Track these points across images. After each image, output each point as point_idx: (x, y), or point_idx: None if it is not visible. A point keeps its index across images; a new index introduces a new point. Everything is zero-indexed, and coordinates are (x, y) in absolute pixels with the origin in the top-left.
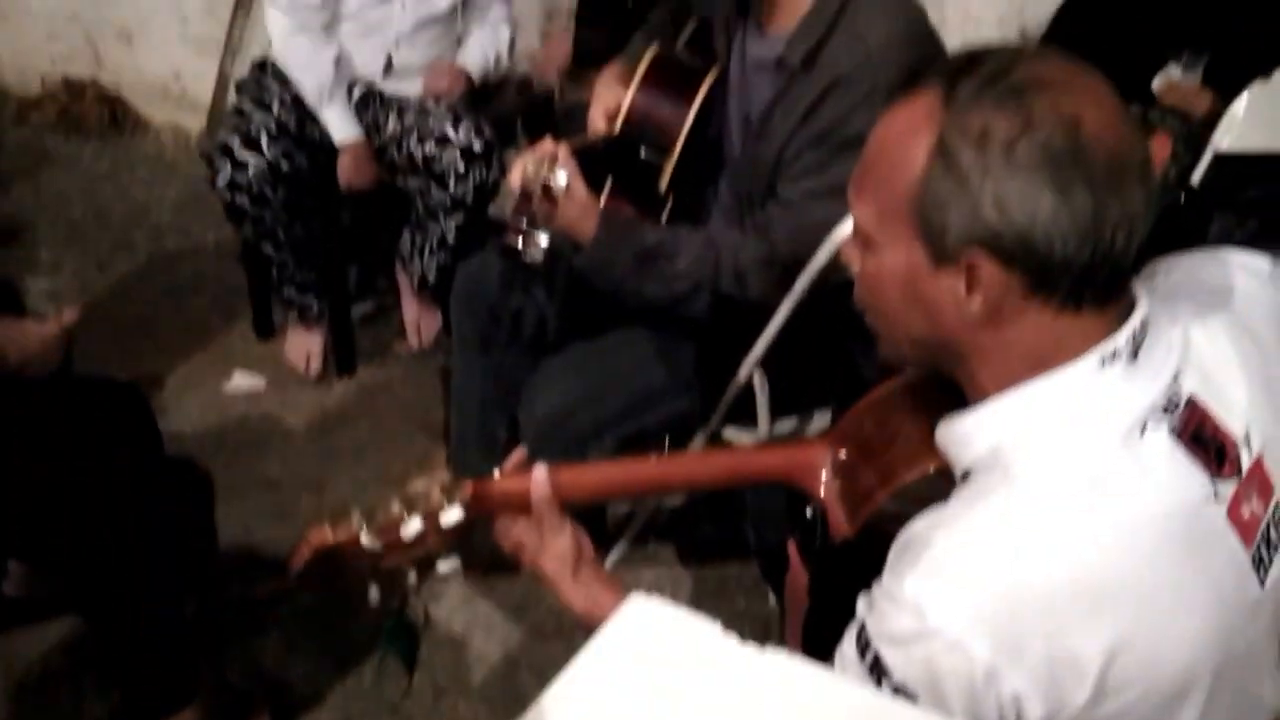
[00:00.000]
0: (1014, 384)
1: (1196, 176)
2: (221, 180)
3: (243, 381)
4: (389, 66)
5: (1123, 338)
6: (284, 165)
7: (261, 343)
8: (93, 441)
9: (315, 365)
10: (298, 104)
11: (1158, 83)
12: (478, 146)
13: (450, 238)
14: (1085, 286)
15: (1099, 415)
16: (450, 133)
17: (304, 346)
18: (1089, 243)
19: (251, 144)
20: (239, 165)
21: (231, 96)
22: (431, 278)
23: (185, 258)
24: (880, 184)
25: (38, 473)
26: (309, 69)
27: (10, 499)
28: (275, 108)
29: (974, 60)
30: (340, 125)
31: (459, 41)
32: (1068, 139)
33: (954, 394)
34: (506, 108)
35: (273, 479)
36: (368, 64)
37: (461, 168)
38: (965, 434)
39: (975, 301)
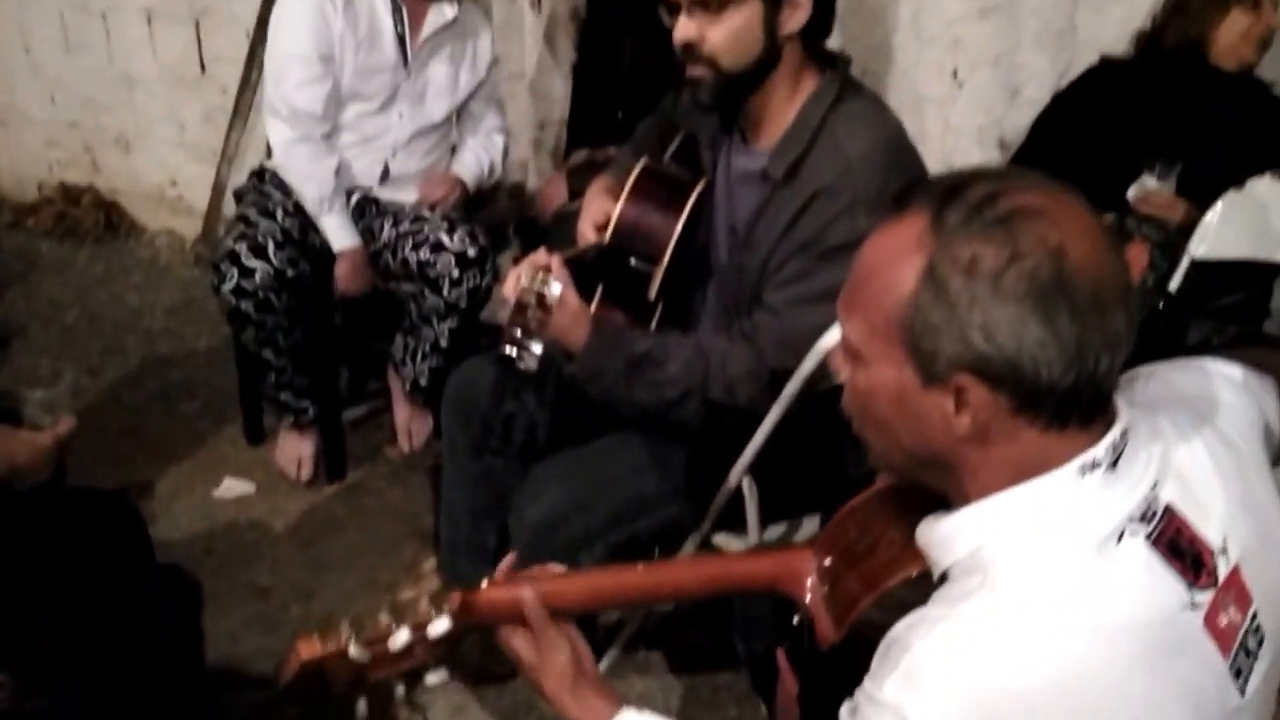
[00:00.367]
0: (999, 491)
1: (1174, 283)
2: (228, 286)
3: (232, 487)
4: (386, 174)
5: (1102, 448)
6: (289, 272)
7: (251, 448)
8: (82, 553)
9: (306, 470)
10: (299, 211)
11: (1133, 192)
12: (472, 252)
13: (443, 342)
14: (1071, 408)
15: (1077, 522)
16: (445, 239)
17: (295, 451)
18: (1074, 368)
19: (258, 251)
20: (246, 272)
21: (228, 203)
22: (424, 381)
23: (177, 363)
24: (870, 304)
25: (25, 584)
26: (310, 178)
27: None
28: (279, 215)
29: (960, 185)
30: (339, 233)
31: (454, 150)
32: (1053, 269)
33: (935, 498)
34: (500, 214)
35: (261, 587)
36: (365, 172)
37: (456, 273)
38: (946, 536)
39: (964, 421)
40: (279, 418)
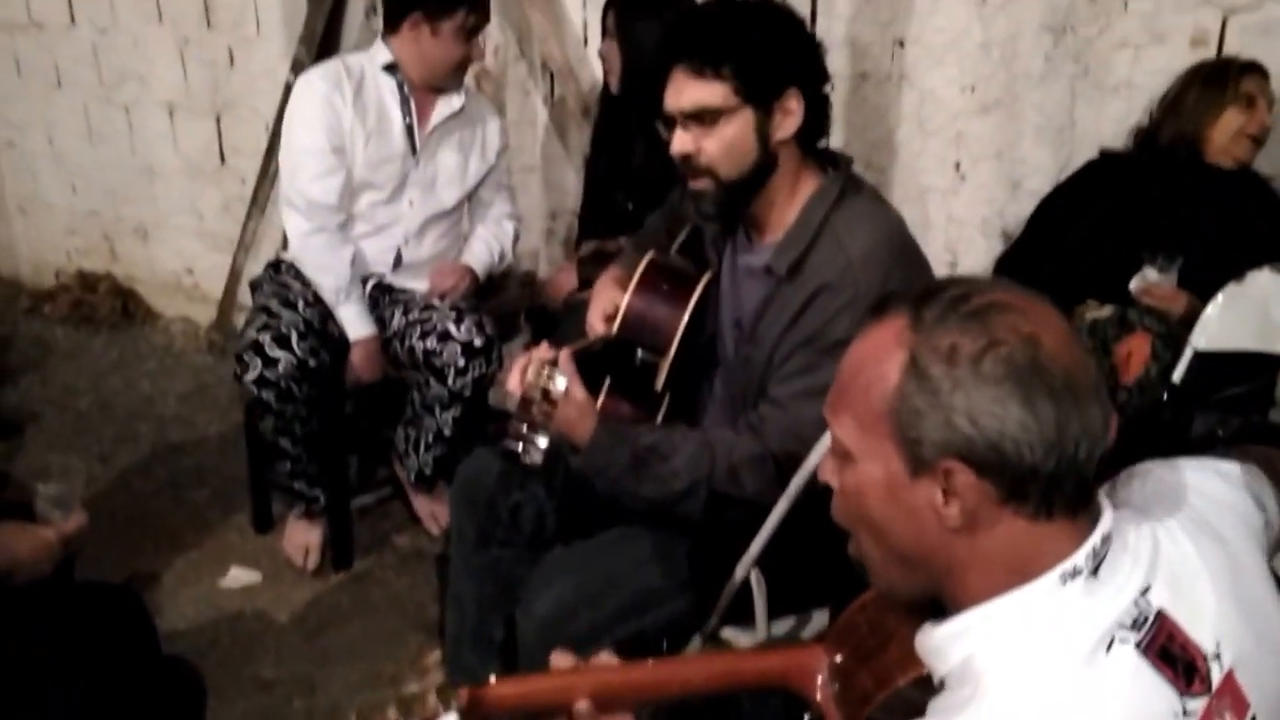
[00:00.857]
0: (990, 596)
1: (1177, 374)
2: (250, 376)
3: (239, 576)
4: (399, 261)
5: (1082, 555)
6: (311, 362)
7: (259, 536)
8: (87, 647)
9: (313, 559)
10: (319, 302)
11: (1135, 283)
12: (478, 342)
13: (447, 431)
14: (1054, 494)
15: (1063, 632)
16: (452, 329)
17: (303, 540)
18: (1054, 451)
19: (282, 341)
20: (269, 362)
21: (243, 290)
22: (429, 471)
23: (187, 450)
24: (857, 401)
25: (27, 677)
26: (327, 269)
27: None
28: (300, 306)
29: (935, 289)
30: (356, 322)
31: (465, 237)
32: (1029, 354)
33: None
34: (511, 302)
35: (265, 680)
36: (378, 259)
37: (461, 362)
38: (940, 644)
39: (953, 510)
40: (288, 506)
